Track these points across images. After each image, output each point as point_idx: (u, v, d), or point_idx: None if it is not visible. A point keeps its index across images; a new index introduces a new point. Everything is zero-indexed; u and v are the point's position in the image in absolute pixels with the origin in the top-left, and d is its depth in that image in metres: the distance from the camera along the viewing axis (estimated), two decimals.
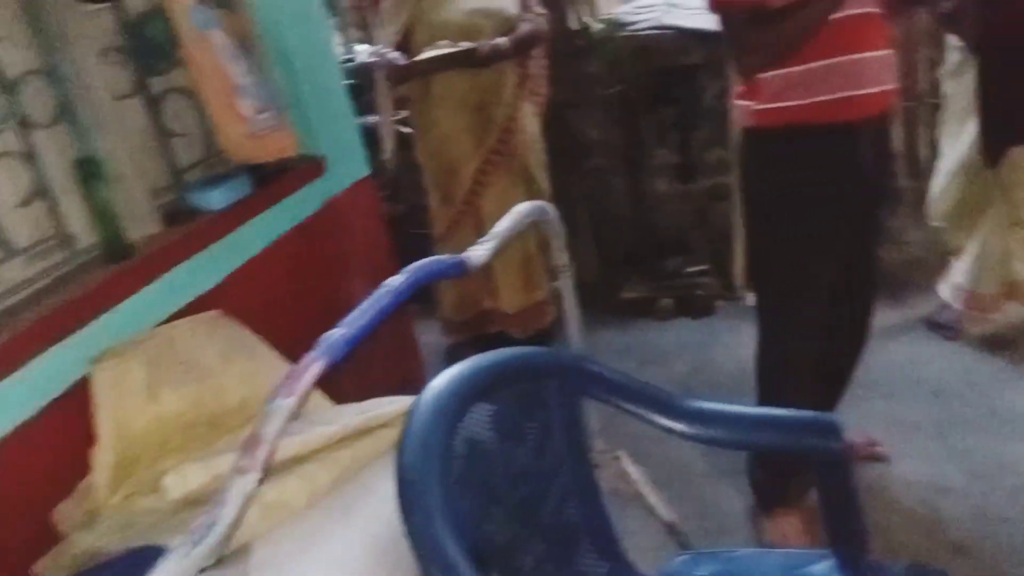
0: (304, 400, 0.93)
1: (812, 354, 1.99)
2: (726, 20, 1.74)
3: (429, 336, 3.28)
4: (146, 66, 1.77)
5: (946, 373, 2.63)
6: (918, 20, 2.85)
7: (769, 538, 2.11)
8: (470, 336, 3.21)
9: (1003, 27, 1.91)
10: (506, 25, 2.82)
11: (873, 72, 1.71)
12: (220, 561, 1.18)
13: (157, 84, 1.81)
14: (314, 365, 0.94)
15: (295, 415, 0.92)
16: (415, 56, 2.83)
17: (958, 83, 2.49)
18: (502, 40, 2.77)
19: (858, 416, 2.41)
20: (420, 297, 3.71)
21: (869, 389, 2.59)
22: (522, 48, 2.86)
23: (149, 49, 1.76)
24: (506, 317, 3.16)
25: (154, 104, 1.80)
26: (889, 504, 2.15)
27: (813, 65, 1.68)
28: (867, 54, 1.69)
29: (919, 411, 2.48)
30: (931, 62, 2.95)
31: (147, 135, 1.80)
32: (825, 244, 1.86)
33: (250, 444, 0.88)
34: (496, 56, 2.76)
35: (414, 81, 2.88)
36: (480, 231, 2.72)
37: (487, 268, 3.05)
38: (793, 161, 1.77)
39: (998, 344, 2.71)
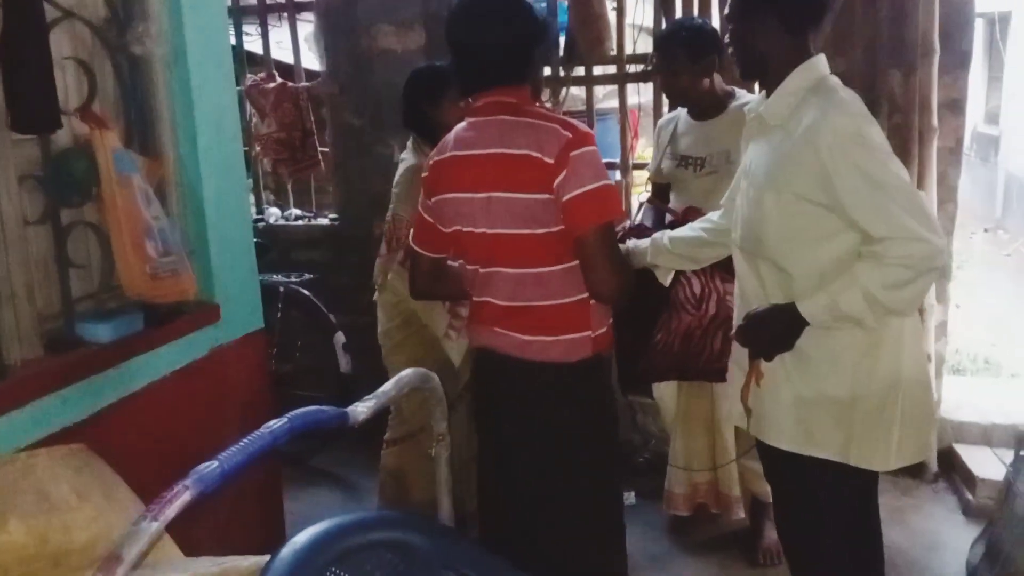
0: (164, 524, 0.93)
1: None
2: None
3: (300, 504, 3.18)
4: (60, 197, 1.82)
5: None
6: None
7: None
8: None
9: None
10: None
11: None
12: None
13: (67, 215, 1.86)
14: (184, 493, 0.95)
15: (157, 540, 0.92)
16: None
17: None
18: None
19: None
20: (293, 458, 3.54)
21: None
22: None
23: (67, 183, 1.81)
24: None
25: (61, 234, 1.83)
26: None
27: None
28: None
29: None
30: None
31: (47, 262, 1.82)
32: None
33: (109, 562, 0.87)
34: None
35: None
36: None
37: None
38: (607, 381, 1.94)
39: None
